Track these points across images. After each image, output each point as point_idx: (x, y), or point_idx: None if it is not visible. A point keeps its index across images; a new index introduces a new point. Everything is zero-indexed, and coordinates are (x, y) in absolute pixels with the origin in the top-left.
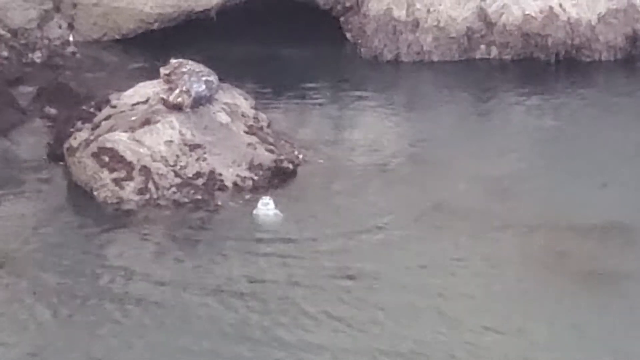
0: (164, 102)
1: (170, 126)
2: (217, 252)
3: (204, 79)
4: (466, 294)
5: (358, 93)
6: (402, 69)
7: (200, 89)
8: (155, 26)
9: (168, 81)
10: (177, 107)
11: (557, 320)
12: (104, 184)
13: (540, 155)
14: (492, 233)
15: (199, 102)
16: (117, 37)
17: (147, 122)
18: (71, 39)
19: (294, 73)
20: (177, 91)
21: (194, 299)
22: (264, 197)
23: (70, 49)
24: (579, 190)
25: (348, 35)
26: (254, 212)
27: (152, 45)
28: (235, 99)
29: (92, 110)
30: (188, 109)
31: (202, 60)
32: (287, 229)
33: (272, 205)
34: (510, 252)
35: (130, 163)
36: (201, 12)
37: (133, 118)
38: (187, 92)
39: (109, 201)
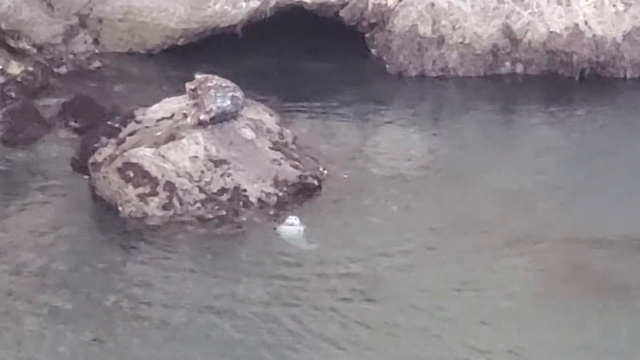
0: (186, 117)
1: (195, 142)
2: (239, 270)
3: (229, 94)
4: (483, 311)
5: (382, 107)
6: (427, 83)
7: (224, 104)
8: (181, 42)
9: (194, 96)
10: (199, 125)
11: (580, 335)
12: (128, 199)
13: (563, 171)
14: (513, 248)
15: (224, 117)
16: (142, 52)
17: (172, 137)
18: (96, 53)
19: (318, 87)
20: (195, 112)
21: (213, 318)
22: (290, 217)
23: (96, 63)
24: (601, 205)
25: (373, 51)
26: (279, 229)
27: (178, 60)
28: (261, 115)
29: (117, 125)
30: (209, 126)
31: (227, 74)
32: (310, 248)
33: (297, 223)
34: (530, 267)
35: (155, 178)
36: (226, 27)
37: (158, 133)
38: (209, 111)
39: (133, 216)
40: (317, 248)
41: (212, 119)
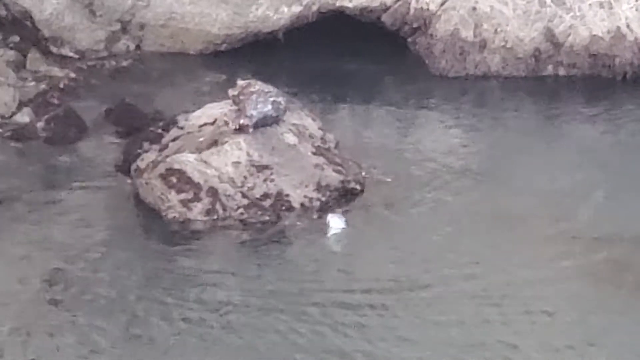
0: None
1: (238, 147)
2: (283, 274)
3: (271, 99)
4: (523, 312)
5: (424, 108)
6: (469, 84)
7: (266, 109)
8: (223, 47)
9: (236, 102)
10: (240, 130)
11: (622, 334)
12: (171, 204)
13: (604, 171)
14: (553, 247)
15: (266, 122)
16: (184, 57)
17: (214, 143)
18: (139, 59)
19: (360, 90)
20: (236, 117)
21: (257, 322)
22: (335, 218)
23: (138, 69)
24: None
25: (415, 55)
26: (325, 232)
27: (220, 66)
28: (303, 120)
29: (159, 131)
30: (251, 130)
31: (269, 79)
32: (354, 251)
33: (342, 225)
34: (571, 267)
35: (197, 184)
36: (269, 32)
37: (201, 139)
38: (250, 116)
39: (177, 222)
40: (359, 251)
41: (253, 124)
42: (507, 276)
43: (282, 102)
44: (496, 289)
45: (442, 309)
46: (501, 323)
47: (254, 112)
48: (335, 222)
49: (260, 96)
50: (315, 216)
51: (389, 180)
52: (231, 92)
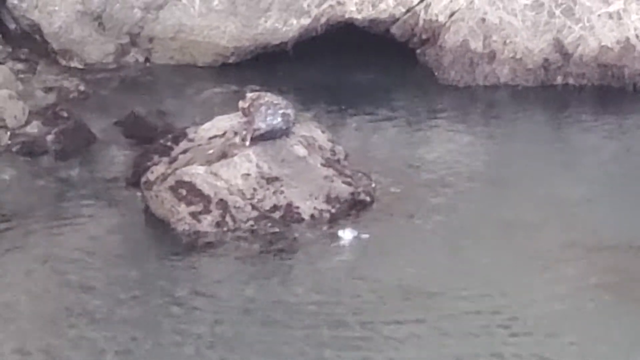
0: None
1: (247, 159)
2: (293, 287)
3: (280, 112)
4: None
5: (433, 118)
6: (478, 93)
7: (275, 122)
8: (232, 59)
9: (246, 114)
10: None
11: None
12: (181, 217)
13: (613, 180)
14: (561, 255)
15: (275, 135)
16: (193, 70)
17: (224, 155)
18: (148, 71)
19: (369, 101)
20: (245, 130)
21: (267, 334)
22: (347, 230)
23: (147, 82)
24: None
25: (424, 67)
26: (336, 243)
27: (229, 78)
28: (312, 132)
29: (169, 143)
30: (259, 142)
31: (279, 91)
32: (364, 263)
33: (354, 236)
34: (577, 275)
35: (207, 196)
36: (277, 45)
37: (210, 151)
38: (257, 129)
39: (187, 234)
40: (369, 263)
41: (261, 135)
42: (515, 284)
43: (292, 114)
44: (512, 301)
45: (456, 320)
46: (503, 332)
47: (263, 125)
48: (347, 235)
49: (270, 108)
50: (325, 228)
51: (398, 191)
52: (241, 104)
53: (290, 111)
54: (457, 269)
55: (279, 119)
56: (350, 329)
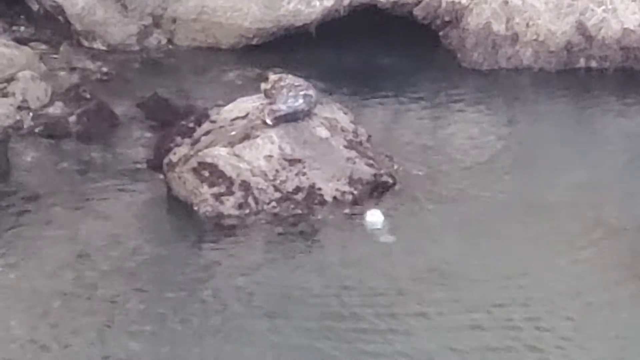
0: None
1: (270, 141)
2: (315, 272)
3: (302, 93)
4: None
5: (456, 101)
6: (501, 77)
7: (296, 104)
8: (255, 41)
9: (268, 96)
10: (268, 124)
11: None
12: (203, 198)
13: (636, 162)
14: (583, 238)
15: (297, 116)
16: (216, 51)
17: (246, 137)
18: (170, 53)
19: (392, 83)
20: (267, 111)
21: (292, 316)
22: (371, 210)
23: (169, 63)
24: None
25: (447, 49)
26: (360, 224)
27: (252, 59)
28: (335, 114)
29: (191, 125)
30: (282, 124)
31: (301, 73)
32: (388, 244)
33: (379, 219)
34: (603, 258)
35: (230, 178)
36: (300, 26)
37: (233, 133)
38: (278, 110)
39: (209, 215)
40: (393, 244)
41: (283, 117)
42: (535, 270)
43: (313, 95)
44: (541, 282)
45: (487, 303)
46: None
47: (284, 107)
48: (373, 218)
49: (291, 90)
50: (347, 210)
51: (421, 173)
52: (263, 86)
53: (312, 92)
54: (482, 252)
55: (301, 101)
56: (375, 316)
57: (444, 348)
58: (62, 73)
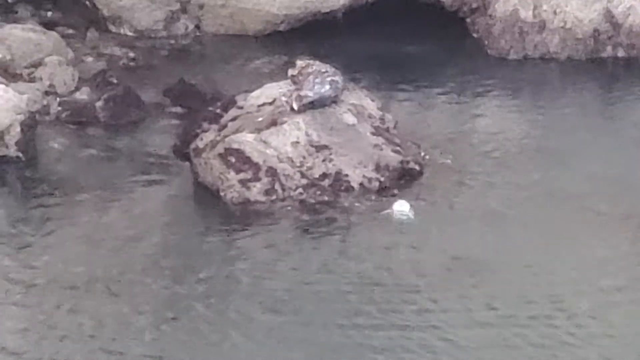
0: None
1: (297, 127)
2: (344, 255)
3: (328, 79)
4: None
5: (482, 89)
6: (527, 65)
7: (323, 90)
8: (282, 27)
9: (295, 82)
10: (296, 111)
11: None
12: (230, 184)
13: None
14: (607, 229)
15: (324, 102)
16: (243, 37)
17: (273, 123)
18: (198, 39)
19: (419, 71)
20: (294, 97)
21: (319, 302)
22: (399, 201)
23: (197, 49)
24: None
25: (474, 35)
26: (387, 213)
27: (279, 46)
28: (362, 100)
29: (218, 111)
30: (309, 111)
31: (328, 59)
32: (415, 233)
33: (406, 208)
34: (626, 250)
35: (256, 164)
36: (327, 13)
37: (259, 119)
38: (304, 96)
39: (235, 202)
40: (421, 233)
41: (310, 104)
42: (579, 265)
43: (340, 81)
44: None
45: (513, 295)
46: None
47: (311, 93)
48: (401, 207)
49: (317, 77)
50: (374, 197)
51: (448, 161)
52: (290, 72)
53: (338, 78)
54: (508, 242)
55: (327, 87)
56: (401, 309)
57: (473, 342)
58: (89, 58)
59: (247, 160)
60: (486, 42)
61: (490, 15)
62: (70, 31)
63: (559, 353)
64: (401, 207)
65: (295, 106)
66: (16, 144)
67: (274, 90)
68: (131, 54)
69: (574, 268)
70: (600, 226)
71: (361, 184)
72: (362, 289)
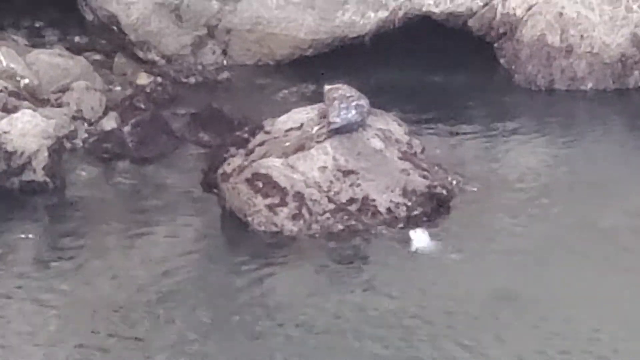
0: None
1: (324, 152)
2: (370, 285)
3: (354, 103)
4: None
5: (510, 120)
6: (556, 97)
7: (349, 115)
8: (309, 52)
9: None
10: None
11: None
12: (257, 209)
13: None
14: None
15: (351, 128)
16: (270, 62)
17: (300, 148)
18: (225, 64)
19: (446, 99)
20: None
21: (346, 334)
22: (418, 229)
23: (224, 74)
24: None
25: (502, 61)
26: (410, 241)
27: (306, 71)
28: (389, 125)
29: (245, 136)
30: (329, 135)
31: (355, 85)
32: (441, 262)
33: (427, 237)
34: None
35: (284, 189)
36: (355, 38)
37: (287, 144)
38: (333, 122)
39: (263, 227)
40: (447, 262)
41: (337, 130)
42: (618, 299)
43: (365, 105)
44: (606, 310)
45: (548, 321)
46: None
47: (338, 119)
48: (419, 237)
49: (343, 102)
50: (401, 223)
51: (475, 190)
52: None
53: (363, 102)
54: (544, 278)
55: (353, 112)
56: (435, 342)
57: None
58: (116, 84)
59: (274, 185)
60: (513, 67)
61: (517, 40)
62: (98, 57)
63: None
64: (419, 237)
65: (326, 129)
66: (43, 168)
67: (301, 115)
68: (159, 79)
69: (611, 305)
70: (635, 261)
71: (388, 209)
72: (387, 327)
